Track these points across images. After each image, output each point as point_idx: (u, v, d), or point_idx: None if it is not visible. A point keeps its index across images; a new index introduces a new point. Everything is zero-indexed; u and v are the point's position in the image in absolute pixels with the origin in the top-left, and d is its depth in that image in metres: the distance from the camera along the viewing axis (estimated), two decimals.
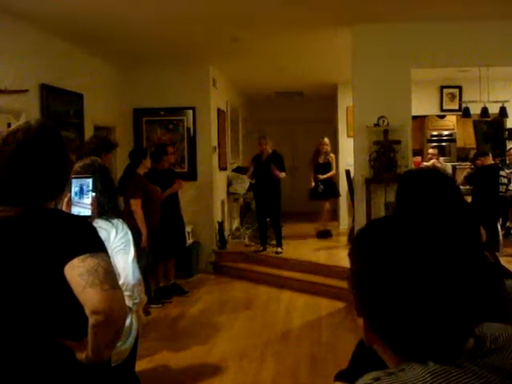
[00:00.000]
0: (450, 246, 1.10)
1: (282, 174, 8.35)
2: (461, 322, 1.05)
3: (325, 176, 9.36)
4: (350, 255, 1.15)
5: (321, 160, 9.39)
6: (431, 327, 1.03)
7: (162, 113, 8.57)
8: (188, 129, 8.56)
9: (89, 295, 1.54)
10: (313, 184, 9.46)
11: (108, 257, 1.67)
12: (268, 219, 8.55)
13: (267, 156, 8.38)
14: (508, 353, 1.06)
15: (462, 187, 7.00)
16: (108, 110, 7.89)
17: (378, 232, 1.15)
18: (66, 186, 1.88)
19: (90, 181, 2.02)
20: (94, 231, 1.73)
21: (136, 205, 5.91)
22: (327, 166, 9.42)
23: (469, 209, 1.95)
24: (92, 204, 1.99)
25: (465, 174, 7.46)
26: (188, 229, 7.85)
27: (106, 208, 2.83)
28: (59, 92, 6.28)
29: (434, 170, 2.27)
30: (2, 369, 1.62)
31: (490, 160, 7.57)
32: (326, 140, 9.51)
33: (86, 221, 1.81)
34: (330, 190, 9.50)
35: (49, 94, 6.00)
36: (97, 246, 1.66)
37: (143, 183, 6.13)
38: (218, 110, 9.11)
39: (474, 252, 1.82)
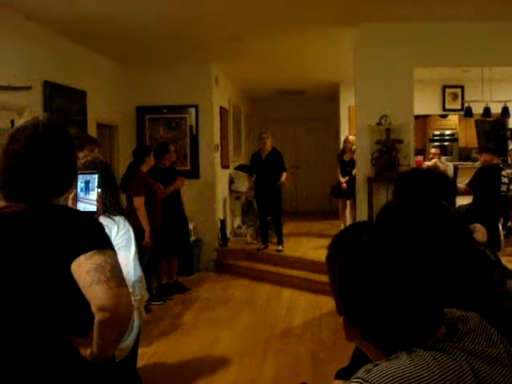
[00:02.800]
0: (421, 246, 1.21)
1: (284, 177, 8.38)
2: (431, 313, 1.16)
3: (345, 179, 9.19)
4: (328, 258, 1.24)
5: (346, 158, 9.31)
6: (405, 320, 1.13)
7: (165, 111, 8.57)
8: (190, 127, 8.56)
9: (95, 292, 1.54)
10: (343, 181, 9.29)
11: (114, 253, 1.68)
12: (269, 217, 8.55)
13: (267, 154, 8.38)
14: (478, 335, 1.17)
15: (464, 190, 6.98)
16: (111, 108, 7.89)
17: (352, 235, 1.25)
18: (74, 181, 1.89)
19: (95, 177, 2.02)
20: (101, 228, 1.73)
21: (139, 202, 5.93)
22: (353, 164, 9.21)
23: (459, 211, 1.96)
24: (98, 200, 1.99)
25: (466, 182, 7.44)
26: (190, 226, 7.86)
27: (107, 205, 2.84)
28: (62, 89, 6.29)
29: (428, 170, 2.29)
30: (6, 364, 1.62)
31: (494, 159, 7.53)
32: (351, 138, 9.34)
33: (92, 217, 1.81)
34: (353, 188, 9.31)
35: (52, 90, 6.01)
36: (104, 243, 1.67)
37: (146, 181, 6.15)
38: (221, 108, 9.11)
39: (466, 250, 1.84)
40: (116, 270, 1.61)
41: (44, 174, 1.72)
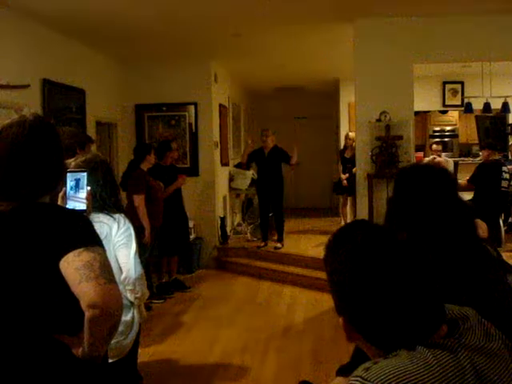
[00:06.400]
0: (418, 243, 1.20)
1: (295, 159, 8.30)
2: (432, 312, 1.15)
3: (346, 176, 9.17)
4: (325, 258, 1.22)
5: (347, 155, 9.28)
6: (406, 319, 1.12)
7: (164, 108, 8.56)
8: (190, 124, 8.55)
9: (85, 289, 1.53)
10: (343, 177, 9.27)
11: (104, 251, 1.66)
12: (270, 214, 8.53)
13: (269, 151, 8.36)
14: (477, 331, 1.17)
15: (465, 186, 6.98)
16: (110, 106, 7.89)
17: (349, 234, 1.23)
18: (62, 180, 1.87)
19: (84, 175, 2.01)
20: (90, 225, 1.72)
21: (139, 200, 5.91)
22: (354, 161, 9.13)
23: (463, 205, 1.95)
24: (87, 198, 1.98)
25: (467, 177, 7.44)
26: (190, 224, 7.85)
27: (107, 203, 2.83)
28: (61, 87, 6.28)
29: (428, 166, 2.28)
30: None
31: (495, 155, 7.53)
32: (351, 134, 9.27)
33: (81, 215, 1.80)
34: (353, 185, 9.19)
35: (50, 89, 6.00)
36: (92, 240, 1.65)
37: (147, 179, 6.13)
38: (220, 106, 9.10)
39: (468, 245, 1.82)
40: (105, 267, 1.60)
41: (30, 172, 1.70)
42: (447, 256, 1.71)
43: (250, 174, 9.40)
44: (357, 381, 1.08)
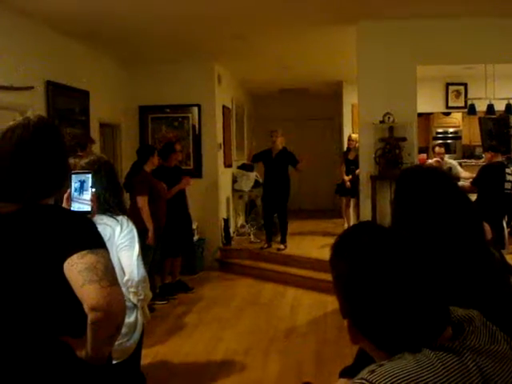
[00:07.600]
0: (424, 244, 1.21)
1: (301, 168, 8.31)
2: (438, 314, 1.15)
3: (349, 177, 9.18)
4: (331, 261, 1.22)
5: (351, 156, 9.27)
6: (411, 322, 1.12)
7: (168, 110, 8.58)
8: (193, 126, 8.56)
9: (88, 292, 1.53)
10: (347, 179, 9.29)
11: (107, 253, 1.66)
12: (275, 215, 8.51)
13: (277, 152, 8.32)
14: (482, 333, 1.17)
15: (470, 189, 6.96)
16: (114, 108, 7.90)
17: (355, 237, 1.23)
18: (66, 182, 1.88)
19: (89, 176, 2.01)
20: (94, 227, 1.72)
21: (143, 202, 5.92)
22: (357, 163, 9.11)
23: (469, 205, 1.93)
24: (92, 200, 1.98)
25: (470, 180, 7.42)
26: (193, 226, 7.85)
27: (111, 204, 2.83)
28: (65, 89, 6.30)
29: (431, 168, 2.26)
30: (2, 367, 1.61)
31: (498, 157, 7.51)
32: (353, 136, 9.28)
33: (85, 217, 1.80)
34: (356, 187, 9.13)
35: (54, 90, 6.01)
36: (96, 243, 1.65)
37: (150, 180, 6.14)
38: (223, 107, 9.10)
39: (475, 248, 1.82)
40: (108, 270, 1.60)
41: (34, 174, 1.70)
42: (452, 258, 1.71)
43: (254, 175, 9.41)
44: (361, 383, 1.08)
